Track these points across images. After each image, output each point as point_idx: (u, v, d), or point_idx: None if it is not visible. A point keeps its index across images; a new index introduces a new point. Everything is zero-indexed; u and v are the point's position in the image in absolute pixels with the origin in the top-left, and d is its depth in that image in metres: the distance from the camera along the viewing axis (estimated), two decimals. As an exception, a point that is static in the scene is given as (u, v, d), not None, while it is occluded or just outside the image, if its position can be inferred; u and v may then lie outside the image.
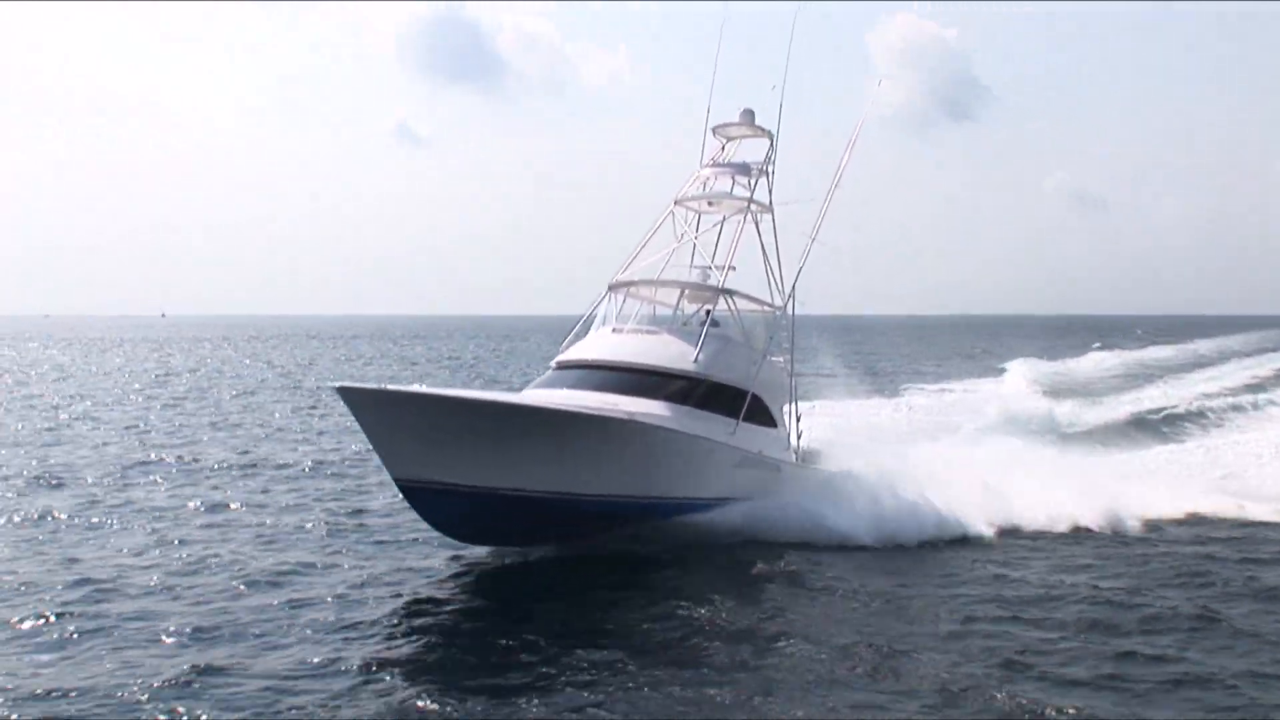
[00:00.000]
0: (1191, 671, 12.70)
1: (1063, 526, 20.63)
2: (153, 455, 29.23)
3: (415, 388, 16.71)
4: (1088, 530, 20.52)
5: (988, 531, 20.07)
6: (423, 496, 16.53)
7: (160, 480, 25.29)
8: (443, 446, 16.09)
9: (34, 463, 27.71)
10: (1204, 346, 74.84)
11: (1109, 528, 20.60)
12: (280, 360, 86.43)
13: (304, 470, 27.15)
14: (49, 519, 20.57)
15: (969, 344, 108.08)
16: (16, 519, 20.50)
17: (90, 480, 25.15)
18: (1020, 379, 51.89)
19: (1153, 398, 42.48)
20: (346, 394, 15.87)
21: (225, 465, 27.74)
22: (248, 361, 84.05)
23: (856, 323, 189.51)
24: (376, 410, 15.91)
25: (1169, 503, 22.26)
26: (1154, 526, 20.97)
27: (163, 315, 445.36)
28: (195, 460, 28.50)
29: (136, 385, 57.03)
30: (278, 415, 41.14)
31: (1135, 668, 12.83)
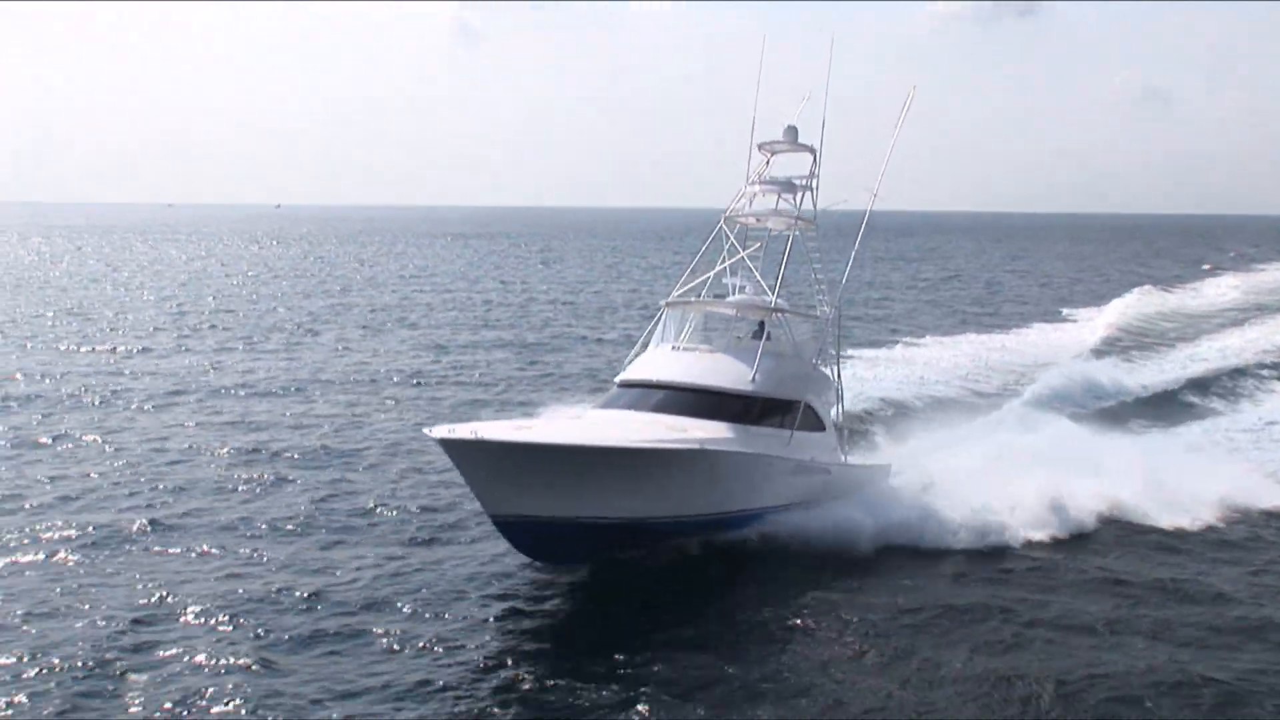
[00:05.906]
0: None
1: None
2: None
3: (506, 436, 18.21)
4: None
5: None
6: (515, 529, 18.36)
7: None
8: (531, 485, 17.82)
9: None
10: None
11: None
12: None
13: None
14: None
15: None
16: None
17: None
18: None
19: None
20: (446, 445, 17.62)
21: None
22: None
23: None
24: (473, 459, 17.66)
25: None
26: None
27: (277, 207, 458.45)
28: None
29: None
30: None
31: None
